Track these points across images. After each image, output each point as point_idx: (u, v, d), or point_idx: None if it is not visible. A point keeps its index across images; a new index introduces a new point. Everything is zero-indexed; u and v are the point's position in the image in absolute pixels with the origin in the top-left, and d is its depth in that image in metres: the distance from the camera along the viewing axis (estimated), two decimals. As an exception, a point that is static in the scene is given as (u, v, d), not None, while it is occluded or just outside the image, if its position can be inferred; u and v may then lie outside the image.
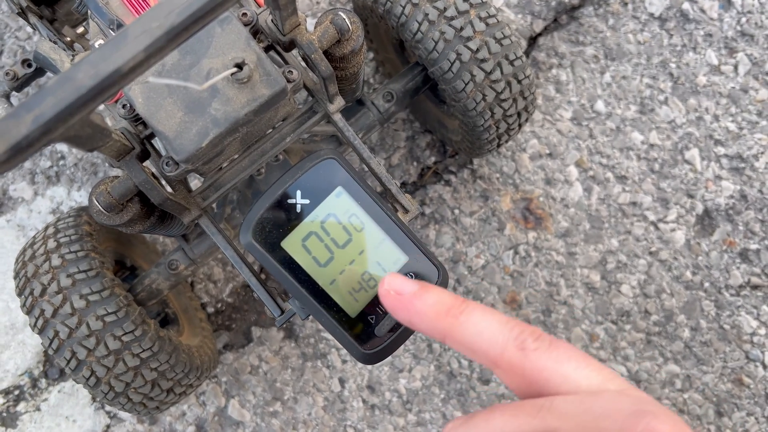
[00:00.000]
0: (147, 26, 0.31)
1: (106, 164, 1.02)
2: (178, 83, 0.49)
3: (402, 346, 0.97)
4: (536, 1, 1.04)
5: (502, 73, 0.72)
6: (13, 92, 0.73)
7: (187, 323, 0.90)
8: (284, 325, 0.98)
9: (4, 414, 0.96)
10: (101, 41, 0.58)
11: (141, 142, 0.56)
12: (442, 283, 0.49)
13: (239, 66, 0.50)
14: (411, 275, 0.49)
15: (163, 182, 0.60)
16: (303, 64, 0.60)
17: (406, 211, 0.63)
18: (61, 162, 1.02)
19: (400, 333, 0.49)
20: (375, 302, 0.49)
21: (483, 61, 0.70)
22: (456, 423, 0.34)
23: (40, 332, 0.68)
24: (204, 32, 0.51)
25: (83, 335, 0.67)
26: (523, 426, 0.31)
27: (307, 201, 0.48)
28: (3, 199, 1.01)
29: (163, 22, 0.31)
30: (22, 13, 0.72)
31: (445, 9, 0.70)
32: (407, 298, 0.38)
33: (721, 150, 1.00)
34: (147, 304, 0.78)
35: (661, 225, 0.99)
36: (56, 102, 0.29)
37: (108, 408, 0.96)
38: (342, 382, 0.97)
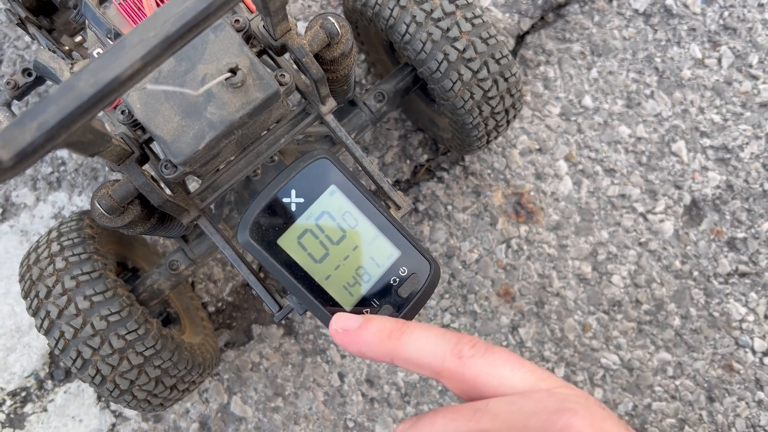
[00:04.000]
0: (144, 35, 0.32)
1: (106, 169, 1.04)
2: (174, 89, 0.51)
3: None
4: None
5: (488, 71, 0.74)
6: (14, 101, 0.75)
7: (189, 322, 0.92)
8: (283, 322, 1.00)
9: (12, 415, 0.98)
10: (100, 50, 0.60)
11: (140, 147, 0.58)
12: (434, 275, 0.50)
13: (233, 71, 0.51)
14: (403, 269, 0.50)
15: (163, 185, 0.62)
16: (295, 67, 0.62)
17: (398, 207, 0.64)
18: (62, 168, 1.04)
19: None
20: (369, 296, 0.50)
21: (470, 60, 0.73)
22: (405, 425, 0.38)
23: (46, 333, 0.70)
24: (198, 39, 0.53)
25: (88, 335, 0.69)
26: (461, 427, 0.34)
27: (301, 200, 0.49)
28: (6, 206, 1.03)
29: (158, 32, 0.32)
30: (22, 24, 0.74)
31: (432, 11, 0.72)
32: (354, 332, 0.42)
33: (706, 141, 1.02)
34: (149, 304, 0.80)
35: (649, 216, 1.01)
36: (59, 110, 0.31)
37: (114, 407, 0.98)
38: (341, 376, 0.99)
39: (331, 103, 0.65)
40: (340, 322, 0.43)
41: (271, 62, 0.64)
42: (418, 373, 0.39)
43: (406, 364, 0.39)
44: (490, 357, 0.36)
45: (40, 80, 0.75)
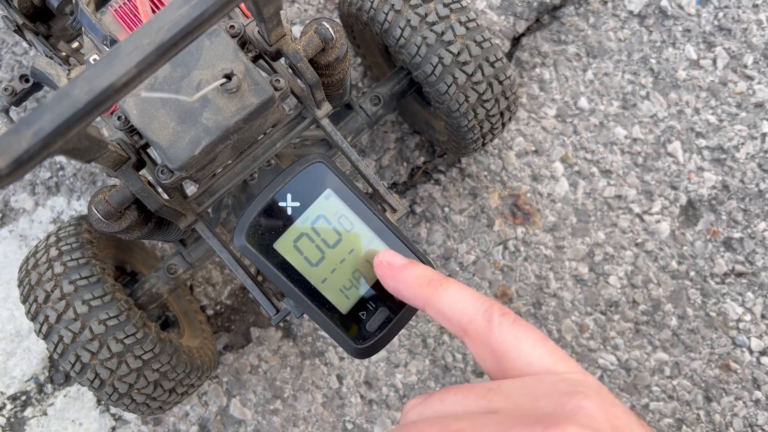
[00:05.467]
0: (138, 43, 0.33)
1: (104, 173, 1.04)
2: (169, 96, 0.52)
3: (396, 339, 0.99)
4: (518, 2, 1.06)
5: (483, 74, 0.74)
6: (12, 107, 0.76)
7: (188, 325, 0.92)
8: (282, 325, 1.01)
9: (12, 419, 0.98)
10: (96, 56, 0.60)
11: (136, 152, 0.58)
12: (430, 279, 0.51)
13: (228, 77, 0.52)
14: (399, 271, 0.50)
15: (159, 190, 0.62)
16: (290, 71, 0.63)
17: (394, 210, 0.65)
18: (61, 173, 1.04)
19: (390, 328, 0.50)
20: (365, 299, 0.50)
21: (464, 63, 0.73)
22: (415, 402, 0.38)
23: (45, 337, 0.71)
24: (193, 45, 0.53)
25: (86, 339, 0.69)
26: (471, 406, 0.34)
27: (297, 204, 0.50)
28: (5, 210, 1.04)
29: (153, 39, 0.33)
30: (19, 31, 0.74)
31: (426, 15, 0.72)
32: (397, 269, 0.44)
33: (702, 142, 1.03)
34: (148, 307, 0.80)
35: (646, 217, 1.01)
36: (54, 117, 0.31)
37: (113, 410, 0.99)
38: (340, 378, 0.99)
39: (326, 108, 0.65)
40: (387, 255, 0.45)
41: (267, 67, 0.64)
42: (446, 327, 0.39)
43: (437, 314, 0.39)
44: (515, 328, 0.36)
45: (37, 86, 0.75)
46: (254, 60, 0.60)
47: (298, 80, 0.63)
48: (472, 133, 0.80)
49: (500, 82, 0.76)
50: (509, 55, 1.07)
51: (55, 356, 0.71)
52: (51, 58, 0.73)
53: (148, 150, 0.61)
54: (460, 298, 0.38)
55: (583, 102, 1.04)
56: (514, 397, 0.33)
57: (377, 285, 0.50)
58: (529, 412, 0.31)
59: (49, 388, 0.99)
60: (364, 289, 0.50)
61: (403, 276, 0.43)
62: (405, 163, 1.04)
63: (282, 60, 0.61)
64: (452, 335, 0.99)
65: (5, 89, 0.74)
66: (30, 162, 0.31)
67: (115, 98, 0.33)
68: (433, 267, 0.51)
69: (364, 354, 0.51)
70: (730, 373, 0.98)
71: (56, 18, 0.77)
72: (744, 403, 0.97)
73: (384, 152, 1.04)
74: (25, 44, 1.07)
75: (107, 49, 0.60)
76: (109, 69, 0.32)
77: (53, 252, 0.74)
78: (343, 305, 0.50)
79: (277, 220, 0.49)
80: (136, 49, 0.33)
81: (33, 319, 0.71)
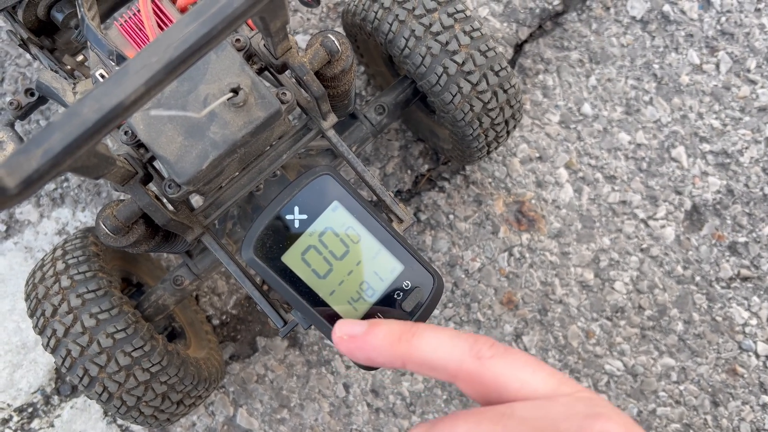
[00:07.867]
0: (147, 61, 0.33)
1: (109, 184, 1.04)
2: (177, 113, 0.52)
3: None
4: (521, 9, 1.07)
5: (488, 83, 0.74)
6: (18, 120, 0.76)
7: (194, 336, 0.92)
8: (288, 335, 1.01)
9: (19, 431, 0.98)
10: (102, 71, 0.60)
11: (143, 166, 0.58)
12: (438, 289, 0.51)
13: (235, 91, 0.52)
14: (407, 283, 0.50)
15: (166, 202, 0.62)
16: (294, 81, 0.63)
17: (400, 220, 0.65)
18: (65, 184, 1.05)
19: None
20: (373, 311, 0.50)
21: (469, 73, 0.73)
22: (420, 429, 0.35)
23: (53, 351, 0.71)
24: (200, 60, 0.53)
25: (94, 353, 0.69)
26: None
27: (304, 216, 0.50)
28: (10, 223, 1.04)
29: (161, 57, 0.33)
30: (24, 45, 0.74)
31: (431, 24, 0.72)
32: (361, 338, 0.40)
33: (706, 147, 1.03)
34: (154, 319, 0.80)
35: (650, 222, 1.01)
36: (64, 136, 0.31)
37: (120, 422, 0.99)
38: (346, 387, 0.99)
39: (332, 119, 0.65)
40: (345, 328, 0.41)
41: (272, 79, 0.65)
42: (432, 377, 0.36)
43: (420, 368, 0.37)
44: (510, 358, 0.34)
45: (42, 100, 0.75)
46: (259, 72, 0.60)
47: (304, 92, 0.63)
48: (477, 141, 0.80)
49: (505, 91, 0.76)
50: (512, 62, 1.07)
51: (63, 370, 0.71)
52: (56, 71, 0.74)
53: (154, 163, 0.61)
54: (439, 344, 0.36)
55: (586, 108, 1.04)
56: (530, 421, 0.31)
57: (386, 297, 0.50)
58: None
59: (55, 399, 0.99)
60: (371, 300, 0.50)
61: (370, 343, 0.39)
62: (409, 171, 1.04)
63: (287, 72, 0.61)
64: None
65: (11, 103, 0.74)
66: (39, 181, 0.31)
67: (124, 116, 0.33)
68: (440, 278, 0.51)
69: (373, 366, 0.51)
70: (736, 377, 0.98)
71: (61, 31, 0.78)
72: (751, 407, 0.97)
73: (388, 160, 1.04)
74: (29, 56, 1.08)
75: (113, 63, 0.61)
76: (117, 87, 0.32)
77: (60, 265, 0.74)
78: (351, 317, 0.50)
79: (284, 233, 0.49)
80: (144, 66, 0.33)
81: (41, 333, 0.71)
